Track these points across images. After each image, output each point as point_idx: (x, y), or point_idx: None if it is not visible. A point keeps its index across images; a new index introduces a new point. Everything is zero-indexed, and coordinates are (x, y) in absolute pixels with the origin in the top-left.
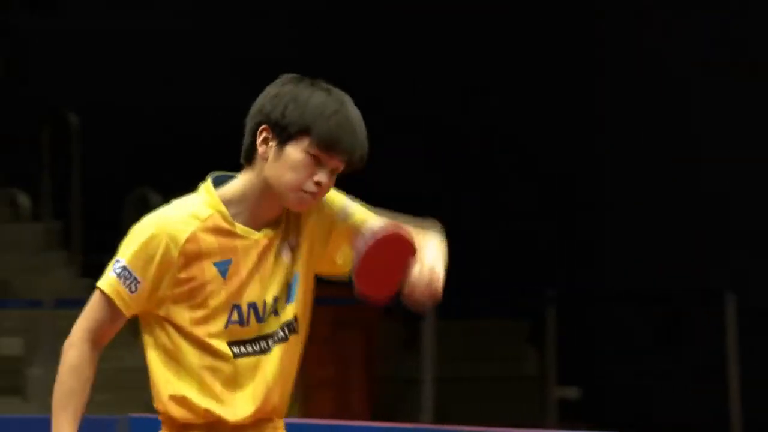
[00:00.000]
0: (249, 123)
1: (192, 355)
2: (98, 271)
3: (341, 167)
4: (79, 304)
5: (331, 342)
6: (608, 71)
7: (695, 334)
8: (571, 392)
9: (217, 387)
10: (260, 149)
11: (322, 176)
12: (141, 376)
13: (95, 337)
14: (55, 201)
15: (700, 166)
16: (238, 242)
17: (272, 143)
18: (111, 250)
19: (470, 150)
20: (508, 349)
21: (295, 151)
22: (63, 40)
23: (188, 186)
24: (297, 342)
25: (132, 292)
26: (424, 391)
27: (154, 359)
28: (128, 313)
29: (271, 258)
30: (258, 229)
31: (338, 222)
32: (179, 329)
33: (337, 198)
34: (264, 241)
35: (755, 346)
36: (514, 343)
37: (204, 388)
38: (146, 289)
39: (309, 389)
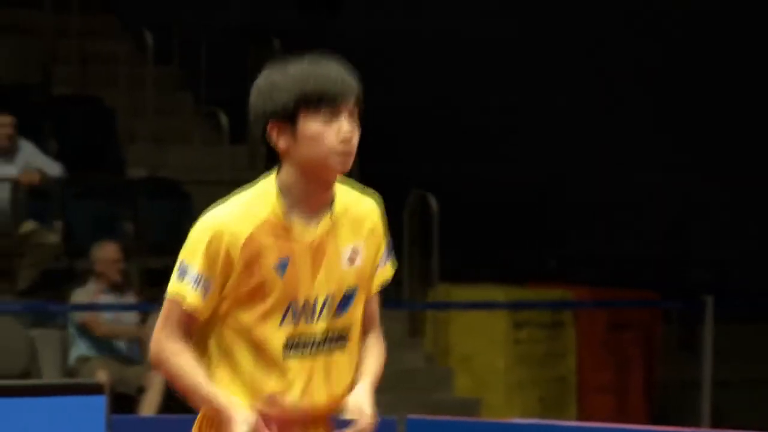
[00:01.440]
0: (256, 131)
1: (245, 356)
2: None
3: (353, 110)
4: None
5: (609, 345)
6: None
7: None
8: None
9: (267, 387)
10: (280, 145)
11: (341, 126)
12: (420, 377)
13: (178, 337)
14: None
15: None
16: (294, 240)
17: (286, 133)
18: None
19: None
20: None
21: (304, 126)
22: (338, 43)
23: (466, 188)
24: (347, 354)
25: (203, 295)
26: (703, 394)
27: (210, 357)
28: (202, 316)
29: (324, 257)
30: (311, 220)
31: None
32: (236, 328)
33: (384, 242)
34: (318, 240)
35: None
36: None
37: (253, 389)
38: (215, 290)
39: (586, 393)
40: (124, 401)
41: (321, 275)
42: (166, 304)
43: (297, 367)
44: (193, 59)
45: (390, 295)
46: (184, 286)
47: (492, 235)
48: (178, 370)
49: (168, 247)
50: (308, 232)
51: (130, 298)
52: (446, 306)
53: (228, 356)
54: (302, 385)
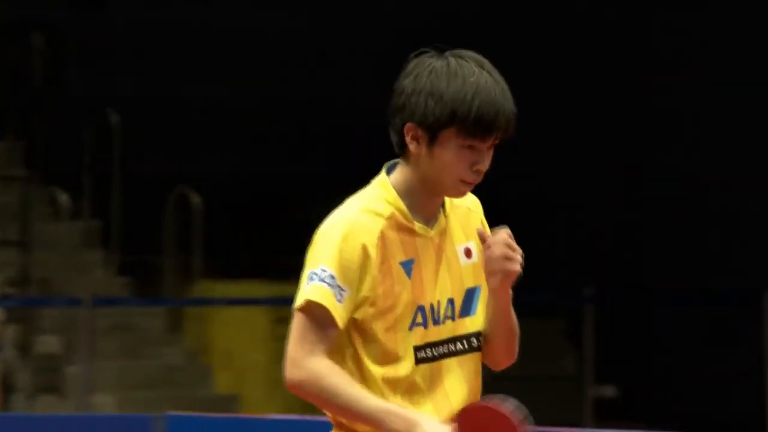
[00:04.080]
0: (393, 120)
1: (374, 365)
2: (137, 270)
3: (496, 141)
4: (117, 302)
5: None
6: None
7: (733, 334)
8: (609, 391)
9: (397, 398)
10: (412, 147)
11: (480, 164)
12: (180, 373)
13: (320, 352)
14: (95, 200)
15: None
16: (417, 240)
17: (422, 141)
18: (149, 250)
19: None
20: (546, 347)
21: (447, 148)
22: (104, 37)
23: (228, 185)
24: (478, 358)
25: (340, 300)
26: None
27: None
28: (342, 323)
29: (443, 257)
30: (428, 220)
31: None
32: (367, 335)
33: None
34: (437, 239)
35: None
36: (552, 341)
37: (382, 398)
38: (352, 294)
39: None
40: None
41: (442, 276)
42: (297, 320)
43: (427, 373)
44: None
45: (149, 291)
46: (317, 291)
47: (258, 232)
48: (334, 392)
49: None
50: (430, 231)
51: None
52: (206, 302)
53: (357, 368)
54: (434, 392)
